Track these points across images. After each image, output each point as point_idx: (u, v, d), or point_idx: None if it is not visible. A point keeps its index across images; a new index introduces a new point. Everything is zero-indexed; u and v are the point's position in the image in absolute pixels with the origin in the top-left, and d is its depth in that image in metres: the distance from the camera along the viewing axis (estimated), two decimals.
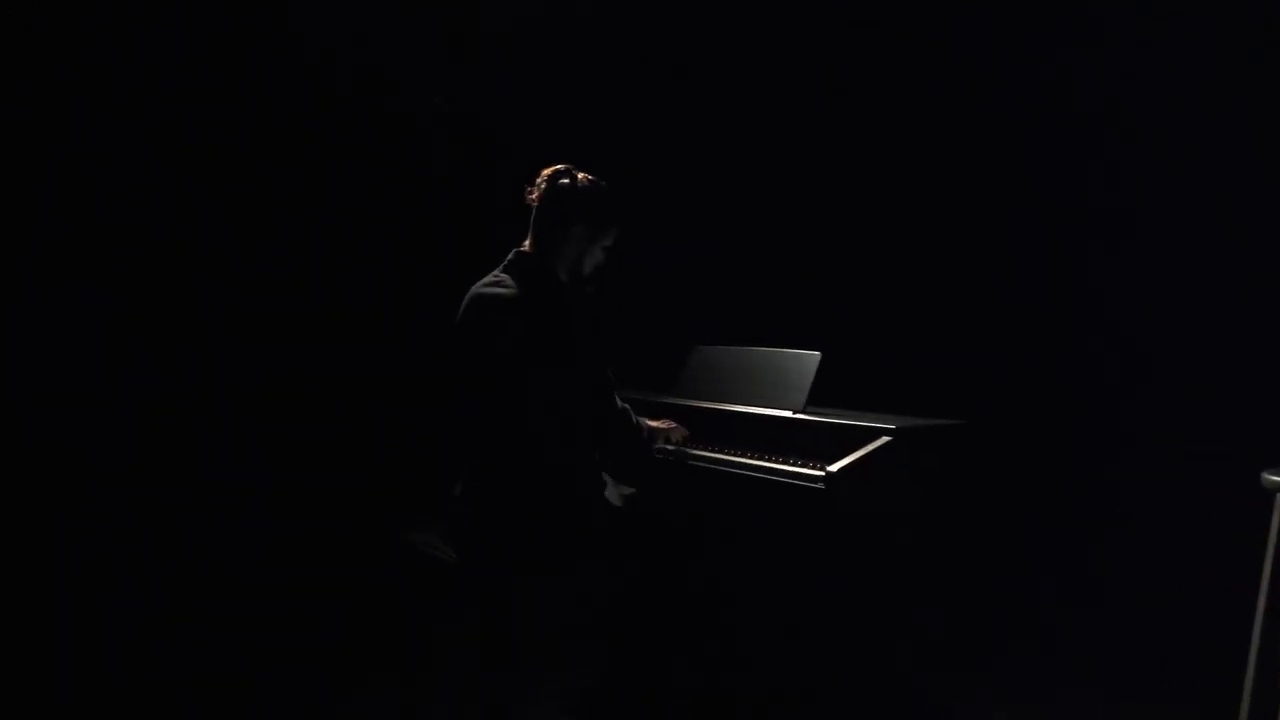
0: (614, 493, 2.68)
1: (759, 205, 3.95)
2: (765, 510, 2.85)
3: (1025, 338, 3.15)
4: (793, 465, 2.72)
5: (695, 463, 2.96)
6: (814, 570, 2.77)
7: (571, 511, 2.46)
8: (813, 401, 2.93)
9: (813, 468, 2.67)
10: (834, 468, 2.58)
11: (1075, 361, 3.01)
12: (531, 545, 2.41)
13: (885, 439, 2.65)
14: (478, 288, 2.52)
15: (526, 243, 2.58)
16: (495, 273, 2.55)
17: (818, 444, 2.79)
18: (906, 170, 3.62)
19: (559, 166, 2.57)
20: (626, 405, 2.67)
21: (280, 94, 3.36)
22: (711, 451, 2.96)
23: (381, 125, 3.52)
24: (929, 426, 2.78)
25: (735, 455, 2.90)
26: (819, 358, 2.97)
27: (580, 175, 2.57)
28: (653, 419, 3.01)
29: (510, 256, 2.57)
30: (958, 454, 2.83)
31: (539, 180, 2.57)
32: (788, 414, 2.94)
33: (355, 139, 3.50)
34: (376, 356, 3.63)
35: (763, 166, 3.95)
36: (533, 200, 2.57)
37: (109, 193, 3.10)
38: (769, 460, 2.81)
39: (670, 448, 3.02)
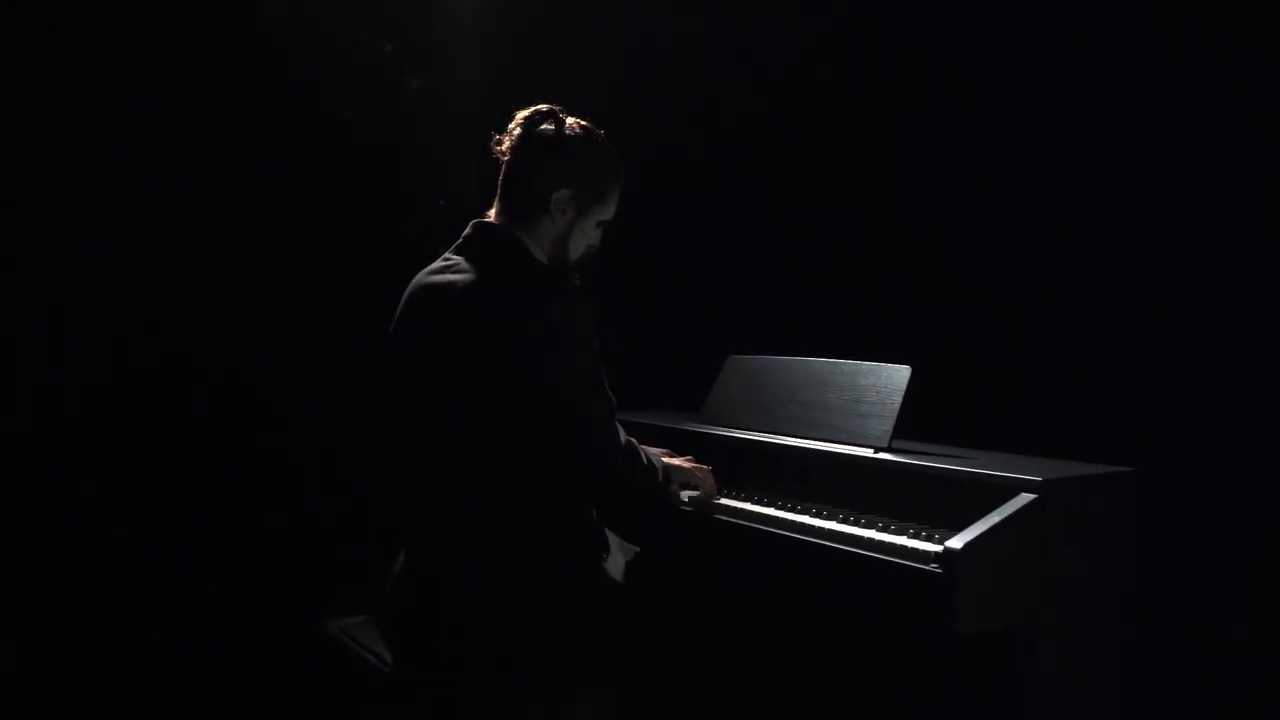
0: (619, 562, 1.96)
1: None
2: (837, 599, 1.99)
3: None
4: (886, 533, 1.86)
5: (723, 517, 2.13)
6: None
7: (551, 598, 1.79)
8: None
9: (917, 537, 1.80)
10: (957, 542, 1.69)
11: None
12: (492, 649, 1.75)
13: (1028, 497, 1.77)
14: (423, 276, 1.92)
15: (491, 212, 1.95)
16: (447, 254, 1.93)
17: (914, 501, 1.95)
18: None
19: (540, 107, 1.93)
20: (632, 439, 1.92)
21: None
22: (753, 504, 2.13)
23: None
24: (1089, 478, 1.89)
25: (789, 511, 2.06)
26: (909, 374, 2.12)
27: (570, 121, 1.93)
28: (671, 456, 2.17)
29: (468, 231, 1.93)
30: (1128, 519, 1.94)
31: (512, 125, 1.93)
32: (867, 453, 2.08)
33: None
34: (287, 372, 2.78)
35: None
36: (501, 153, 1.93)
37: None
38: (845, 523, 1.95)
39: (695, 495, 2.19)
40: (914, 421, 2.11)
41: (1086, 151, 2.47)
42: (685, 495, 2.18)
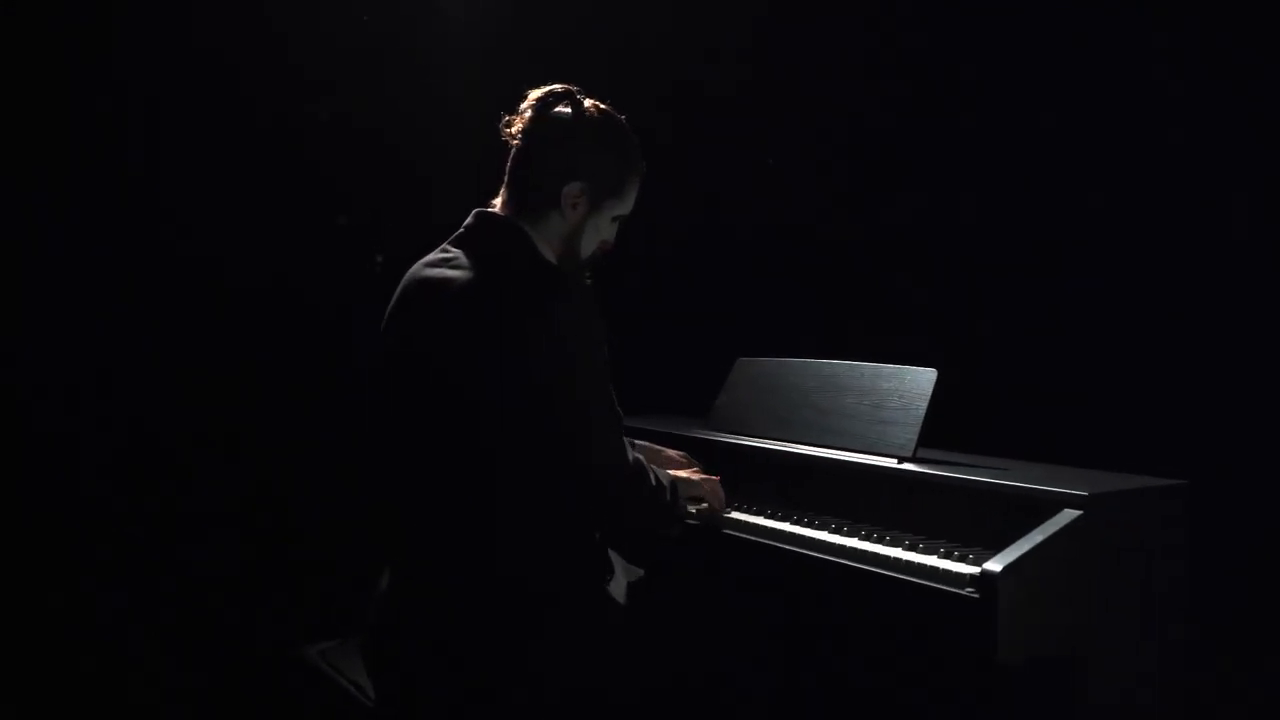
0: (621, 584, 1.80)
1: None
2: (858, 625, 1.83)
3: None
4: (914, 552, 1.69)
5: (734, 532, 1.98)
6: None
7: (550, 624, 1.63)
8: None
9: (949, 557, 1.64)
10: (996, 564, 1.53)
11: None
12: (484, 680, 1.59)
13: (1073, 513, 1.61)
14: (419, 268, 1.76)
15: (497, 201, 1.78)
16: (445, 245, 1.77)
17: (943, 517, 1.79)
18: None
19: (555, 87, 1.75)
20: (640, 456, 1.75)
21: None
22: (765, 519, 1.96)
23: None
24: (1139, 491, 1.72)
25: (805, 526, 1.90)
26: (934, 377, 1.95)
27: (588, 103, 1.75)
28: (686, 462, 2.02)
29: (470, 220, 1.76)
30: (1181, 536, 1.77)
31: (524, 106, 1.76)
32: (890, 463, 1.92)
33: None
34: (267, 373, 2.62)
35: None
36: (511, 136, 1.76)
37: None
38: (868, 540, 1.79)
39: (702, 507, 2.05)
40: (939, 429, 1.95)
41: (1127, 149, 2.34)
42: (693, 509, 2.02)
